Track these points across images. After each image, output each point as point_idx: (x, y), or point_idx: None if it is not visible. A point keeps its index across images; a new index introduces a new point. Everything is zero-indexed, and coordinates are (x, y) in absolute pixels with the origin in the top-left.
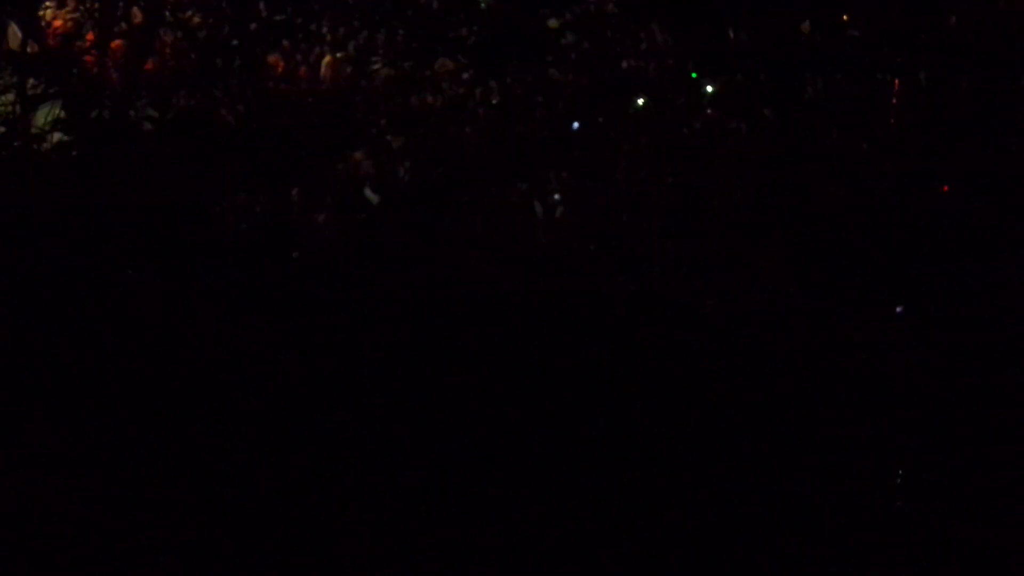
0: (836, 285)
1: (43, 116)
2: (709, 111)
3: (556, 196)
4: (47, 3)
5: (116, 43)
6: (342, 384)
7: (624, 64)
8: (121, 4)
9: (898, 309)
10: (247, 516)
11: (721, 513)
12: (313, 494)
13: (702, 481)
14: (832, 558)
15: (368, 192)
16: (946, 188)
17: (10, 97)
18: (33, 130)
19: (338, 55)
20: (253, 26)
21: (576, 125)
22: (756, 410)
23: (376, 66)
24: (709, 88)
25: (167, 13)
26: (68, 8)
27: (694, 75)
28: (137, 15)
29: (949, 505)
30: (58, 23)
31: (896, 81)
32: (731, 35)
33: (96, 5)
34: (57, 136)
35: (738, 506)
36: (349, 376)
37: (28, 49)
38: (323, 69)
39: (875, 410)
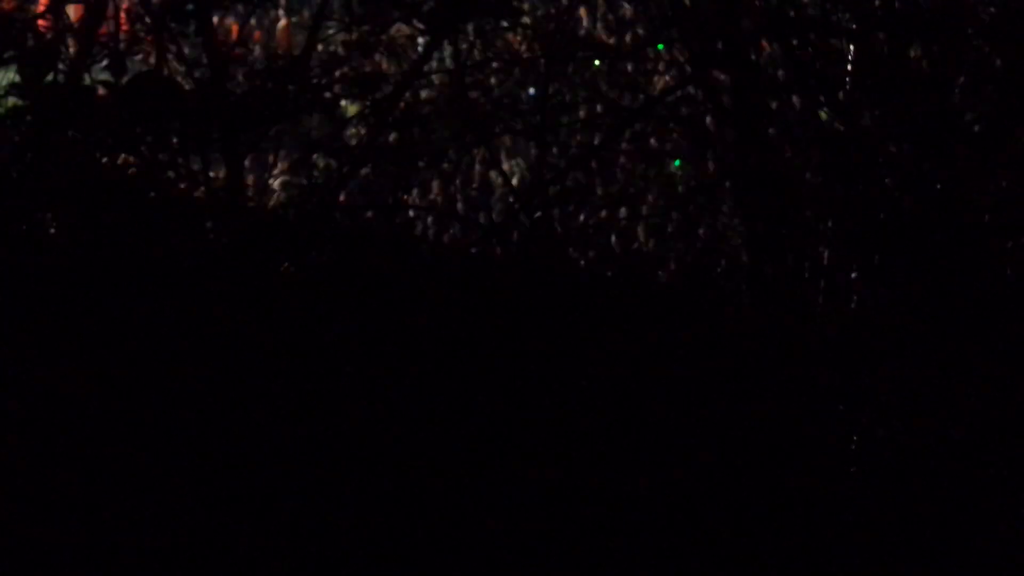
0: (795, 252)
1: None
2: (668, 77)
3: (513, 162)
4: None
5: (71, 7)
6: (295, 353)
7: (581, 30)
8: None
9: (853, 275)
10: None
11: (685, 485)
12: (264, 455)
13: (665, 453)
14: (792, 531)
15: (322, 157)
16: (897, 151)
17: None
18: None
19: (293, 20)
20: None
21: (532, 91)
22: (717, 379)
23: (331, 31)
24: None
25: None
26: None
27: (660, 47)
28: None
29: (902, 476)
30: None
31: (851, 47)
32: (687, 2)
33: None
34: (12, 100)
35: (700, 477)
36: (304, 344)
37: None
38: (278, 34)
39: (838, 379)
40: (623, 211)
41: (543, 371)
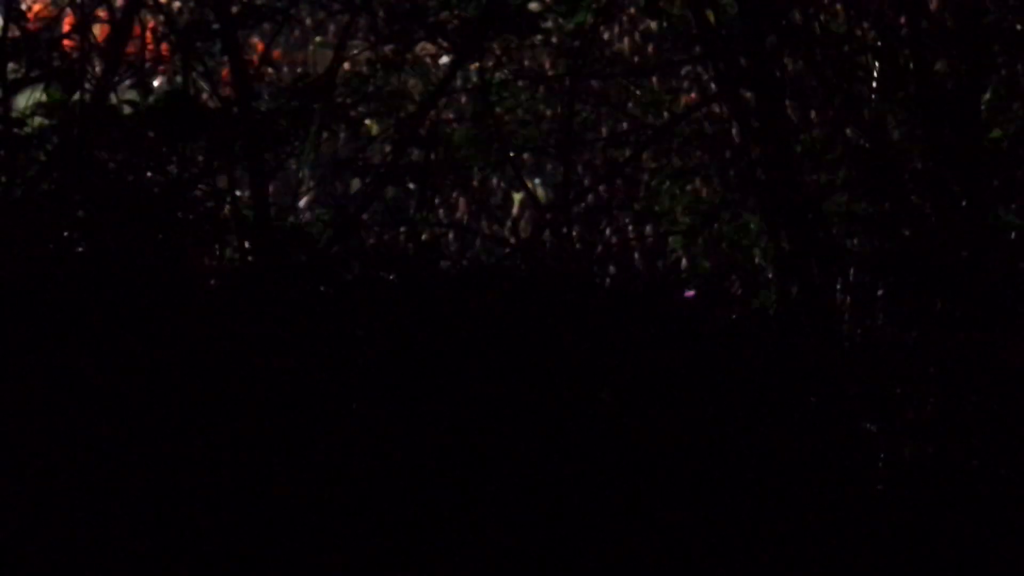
0: (821, 269)
1: (25, 100)
2: (692, 95)
3: (536, 180)
4: None
5: (97, 27)
6: (322, 369)
7: (605, 48)
8: None
9: (879, 292)
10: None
11: (708, 504)
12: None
13: (689, 467)
14: (817, 545)
15: (348, 175)
16: (922, 168)
17: None
18: (14, 114)
19: (318, 39)
20: (234, 9)
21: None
22: (739, 400)
23: (356, 50)
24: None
25: None
26: None
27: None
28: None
29: (928, 494)
30: (39, 7)
31: (876, 63)
32: (711, 18)
33: None
34: (39, 120)
35: (724, 493)
36: (329, 361)
37: (9, 34)
38: (304, 53)
39: (864, 396)
40: (648, 228)
41: (567, 385)
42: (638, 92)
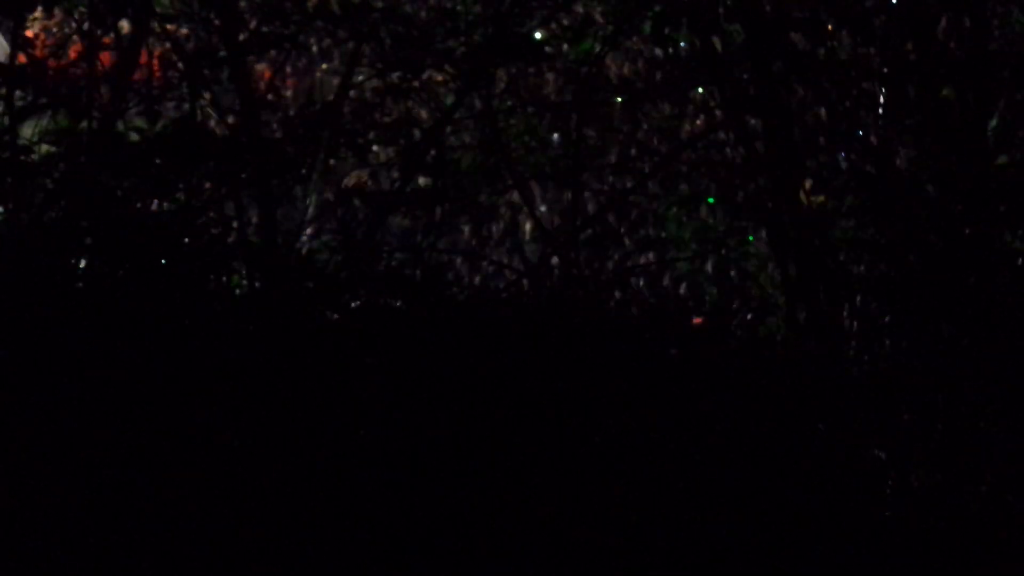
0: (828, 295)
1: (31, 128)
2: (698, 121)
3: (543, 207)
4: (35, 15)
5: (104, 55)
6: (324, 398)
7: (611, 75)
8: (109, 16)
9: (886, 319)
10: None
11: (714, 522)
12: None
13: (694, 493)
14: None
15: (356, 202)
16: (929, 194)
17: None
18: (21, 141)
19: (325, 66)
20: (241, 37)
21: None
22: (748, 422)
23: (363, 77)
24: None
25: (155, 25)
26: (56, 20)
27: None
28: (125, 27)
29: (937, 522)
30: (46, 35)
31: (883, 89)
32: (717, 45)
33: (84, 17)
34: (45, 148)
35: (730, 520)
36: (333, 389)
37: (16, 61)
38: (311, 79)
39: (871, 423)
40: (651, 255)
41: (573, 412)
42: (644, 119)
